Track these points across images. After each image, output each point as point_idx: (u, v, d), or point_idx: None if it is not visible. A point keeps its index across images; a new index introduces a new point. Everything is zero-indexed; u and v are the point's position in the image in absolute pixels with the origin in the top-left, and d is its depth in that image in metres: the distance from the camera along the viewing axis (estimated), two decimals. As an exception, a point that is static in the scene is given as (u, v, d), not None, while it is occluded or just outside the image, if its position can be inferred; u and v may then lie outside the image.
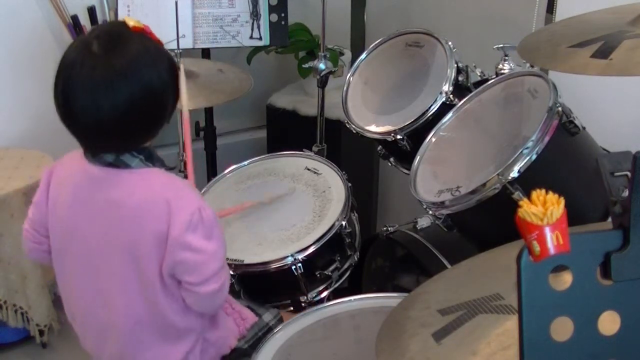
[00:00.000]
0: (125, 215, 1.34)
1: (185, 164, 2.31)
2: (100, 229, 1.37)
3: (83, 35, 1.41)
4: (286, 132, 2.84)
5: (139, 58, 1.30)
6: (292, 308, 1.80)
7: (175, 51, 2.04)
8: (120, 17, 2.26)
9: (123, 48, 1.30)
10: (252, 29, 2.36)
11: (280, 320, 1.68)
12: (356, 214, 1.89)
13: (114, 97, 1.27)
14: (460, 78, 1.82)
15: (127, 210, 1.34)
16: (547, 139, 1.43)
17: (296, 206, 1.86)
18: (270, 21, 2.35)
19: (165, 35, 2.09)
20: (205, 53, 2.56)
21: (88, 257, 1.40)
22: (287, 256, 1.71)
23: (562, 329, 0.70)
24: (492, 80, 1.73)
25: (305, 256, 1.72)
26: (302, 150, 2.06)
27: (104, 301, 1.41)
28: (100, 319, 1.44)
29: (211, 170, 2.71)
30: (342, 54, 2.80)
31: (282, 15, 2.36)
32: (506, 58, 1.82)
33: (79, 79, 1.28)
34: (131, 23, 1.33)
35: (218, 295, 1.41)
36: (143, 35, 1.34)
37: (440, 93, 1.79)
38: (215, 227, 1.36)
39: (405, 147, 1.82)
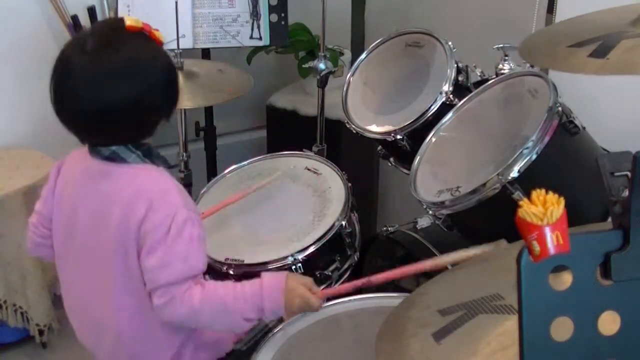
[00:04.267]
0: (114, 209, 1.34)
1: (185, 163, 2.33)
2: (94, 223, 1.38)
3: (80, 32, 1.42)
4: (286, 132, 2.84)
5: (123, 68, 1.31)
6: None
7: (175, 51, 2.04)
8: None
9: (112, 53, 1.31)
10: (252, 29, 2.36)
11: (280, 320, 1.67)
12: (356, 214, 1.88)
13: (95, 97, 1.30)
14: (460, 78, 1.82)
15: (116, 205, 1.34)
16: (547, 139, 1.43)
17: (296, 206, 1.86)
18: (270, 21, 2.36)
19: (165, 35, 2.09)
20: (205, 53, 2.56)
21: (85, 252, 1.41)
22: (287, 256, 1.70)
23: (562, 329, 0.70)
24: (492, 80, 1.73)
25: (305, 256, 1.71)
26: (302, 150, 2.06)
27: (100, 297, 1.41)
28: (96, 314, 1.44)
29: (211, 170, 2.71)
30: (342, 54, 2.81)
31: (282, 15, 2.36)
32: (506, 58, 1.82)
33: (69, 77, 1.30)
34: (128, 22, 1.33)
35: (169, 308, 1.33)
36: (138, 39, 1.34)
37: (440, 93, 1.79)
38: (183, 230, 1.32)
39: (405, 147, 1.82)
